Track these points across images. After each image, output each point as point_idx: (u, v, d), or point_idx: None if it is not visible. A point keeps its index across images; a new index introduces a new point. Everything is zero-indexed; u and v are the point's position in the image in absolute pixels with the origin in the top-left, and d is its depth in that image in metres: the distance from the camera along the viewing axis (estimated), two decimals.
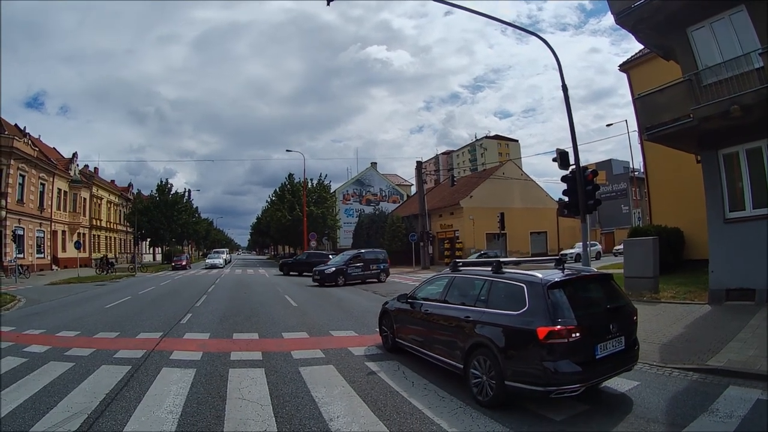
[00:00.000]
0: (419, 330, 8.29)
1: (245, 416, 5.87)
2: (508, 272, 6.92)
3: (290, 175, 61.56)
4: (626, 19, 13.68)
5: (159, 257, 73.48)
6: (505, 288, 6.67)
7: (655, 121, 13.22)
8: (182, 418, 5.78)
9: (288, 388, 7.05)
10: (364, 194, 73.91)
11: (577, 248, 38.67)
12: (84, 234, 54.00)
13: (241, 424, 5.64)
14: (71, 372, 7.97)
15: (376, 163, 79.37)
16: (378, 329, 9.98)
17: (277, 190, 64.26)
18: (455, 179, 46.15)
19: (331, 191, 64.92)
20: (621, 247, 44.58)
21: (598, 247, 41.81)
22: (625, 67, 22.58)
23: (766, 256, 11.14)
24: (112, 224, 66.50)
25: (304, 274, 34.25)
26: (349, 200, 72.46)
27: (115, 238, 68.01)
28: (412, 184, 73.07)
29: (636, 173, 50.78)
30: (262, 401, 6.44)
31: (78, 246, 40.09)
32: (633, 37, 15.09)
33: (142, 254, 67.91)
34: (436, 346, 7.65)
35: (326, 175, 62.55)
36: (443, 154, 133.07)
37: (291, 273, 37.34)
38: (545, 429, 5.54)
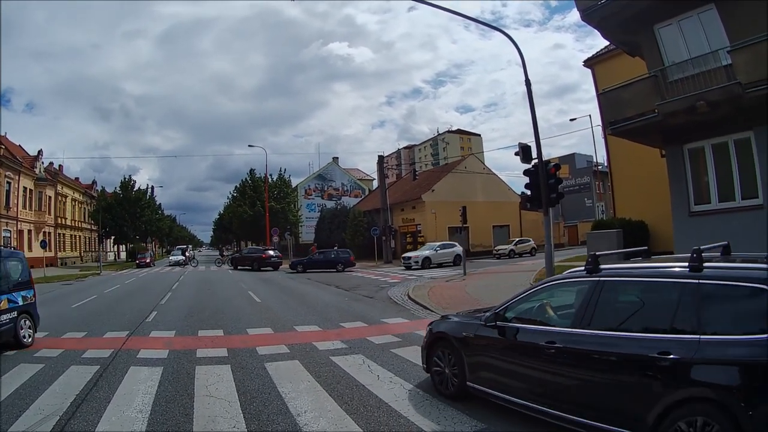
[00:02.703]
0: (533, 374, 5.15)
1: (214, 413, 5.82)
2: (718, 267, 4.33)
3: (251, 171, 62.08)
4: (592, 16, 13.83)
5: (123, 255, 72.80)
6: (732, 295, 4.05)
7: (619, 116, 13.42)
8: (152, 416, 5.71)
9: (254, 384, 7.03)
10: (325, 189, 73.36)
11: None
12: (49, 233, 52.72)
13: (210, 421, 5.59)
14: (41, 373, 7.82)
15: (337, 158, 78.93)
16: (424, 363, 6.87)
17: (239, 185, 64.32)
18: (417, 173, 46.32)
19: (293, 186, 65.25)
20: (503, 247, 41.93)
21: (458, 249, 34.01)
22: (590, 62, 22.88)
23: (734, 249, 11.34)
24: (76, 222, 65.32)
25: (240, 267, 39.21)
26: (311, 195, 71.87)
27: (80, 236, 66.98)
28: (374, 179, 72.83)
29: (599, 167, 51.57)
30: (229, 398, 6.40)
31: (44, 245, 39.22)
32: (598, 34, 15.27)
33: (106, 252, 66.96)
34: (577, 403, 4.65)
35: (285, 170, 62.46)
36: (405, 148, 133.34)
37: (239, 267, 39.82)
38: (524, 429, 5.29)
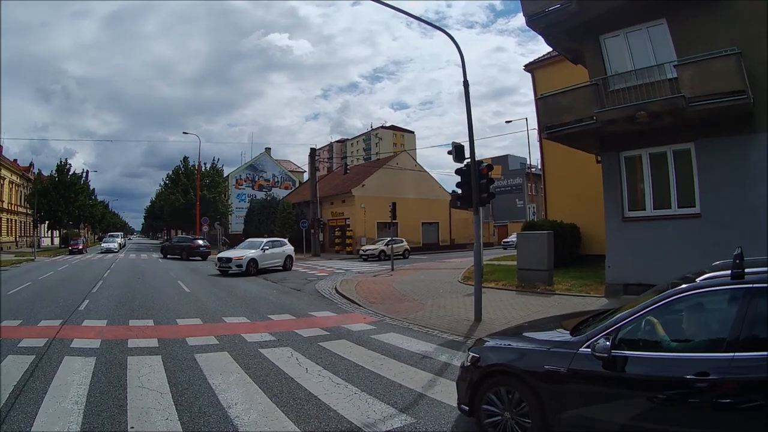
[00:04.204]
0: (672, 418, 3.85)
1: (147, 405, 5.80)
2: None
3: (185, 158, 61.97)
4: (538, 22, 13.96)
5: (57, 241, 70.72)
6: None
7: (556, 121, 13.59)
8: (87, 408, 5.68)
9: (185, 376, 7.02)
10: (256, 180, 72.70)
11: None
12: None
13: (143, 413, 5.57)
14: None
15: (270, 149, 78.39)
16: (464, 403, 5.03)
17: (172, 173, 63.60)
18: (348, 167, 46.53)
19: (225, 176, 64.97)
20: (372, 247, 36.04)
21: (288, 248, 28.26)
22: (530, 67, 23.36)
23: (668, 254, 11.67)
24: (13, 206, 61.86)
25: (169, 256, 39.24)
26: (242, 185, 71.02)
27: (15, 220, 63.46)
28: (305, 171, 72.22)
29: (533, 169, 52.74)
30: (161, 389, 6.37)
31: None
32: (541, 39, 15.41)
33: (41, 237, 64.08)
34: None
35: (219, 159, 61.93)
36: (338, 142, 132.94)
37: (168, 256, 39.75)
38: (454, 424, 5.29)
